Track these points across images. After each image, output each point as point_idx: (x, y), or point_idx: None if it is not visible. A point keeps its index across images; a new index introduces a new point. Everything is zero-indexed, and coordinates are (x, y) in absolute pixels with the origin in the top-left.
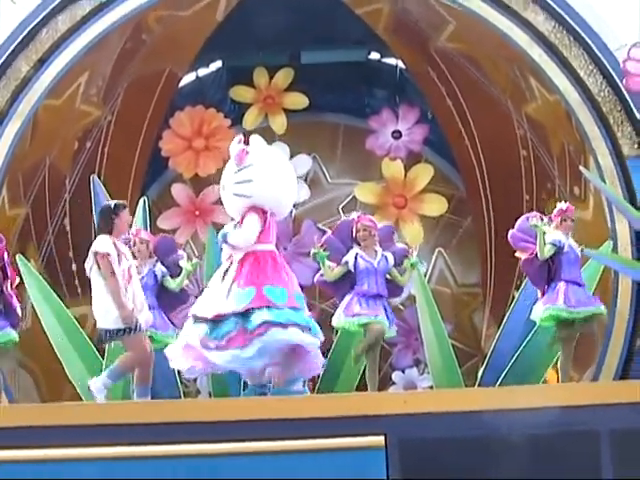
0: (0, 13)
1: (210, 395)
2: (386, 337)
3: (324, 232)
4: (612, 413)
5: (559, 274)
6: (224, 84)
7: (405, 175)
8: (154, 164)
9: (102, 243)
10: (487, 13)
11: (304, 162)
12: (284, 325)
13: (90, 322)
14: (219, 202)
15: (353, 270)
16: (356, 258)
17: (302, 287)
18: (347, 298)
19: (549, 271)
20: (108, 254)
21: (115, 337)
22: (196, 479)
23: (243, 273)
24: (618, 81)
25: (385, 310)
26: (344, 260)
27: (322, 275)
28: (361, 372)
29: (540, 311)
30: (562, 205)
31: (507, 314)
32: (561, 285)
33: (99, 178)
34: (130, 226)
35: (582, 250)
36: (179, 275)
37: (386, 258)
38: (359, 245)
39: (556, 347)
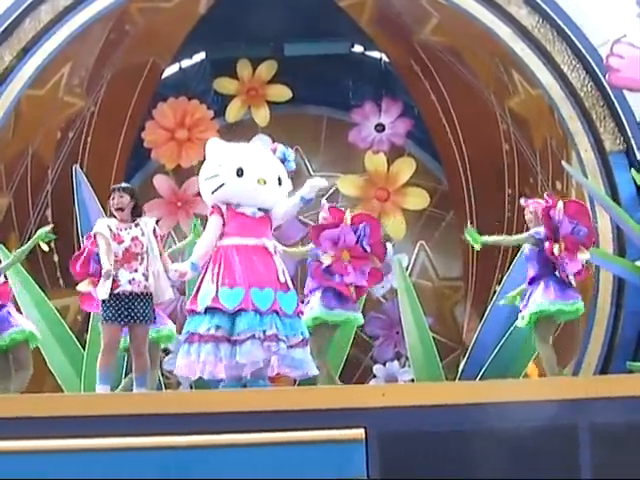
0: None
1: (191, 387)
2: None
3: (306, 224)
4: (592, 407)
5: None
6: (207, 76)
7: (388, 168)
8: (137, 155)
9: (97, 224)
10: (470, 7)
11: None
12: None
13: (72, 313)
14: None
15: None
16: None
17: None
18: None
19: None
20: (99, 234)
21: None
22: (176, 471)
23: (207, 270)
24: (601, 76)
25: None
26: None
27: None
28: (342, 365)
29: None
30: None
31: (488, 308)
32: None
33: (82, 169)
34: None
35: None
36: None
37: None
38: None
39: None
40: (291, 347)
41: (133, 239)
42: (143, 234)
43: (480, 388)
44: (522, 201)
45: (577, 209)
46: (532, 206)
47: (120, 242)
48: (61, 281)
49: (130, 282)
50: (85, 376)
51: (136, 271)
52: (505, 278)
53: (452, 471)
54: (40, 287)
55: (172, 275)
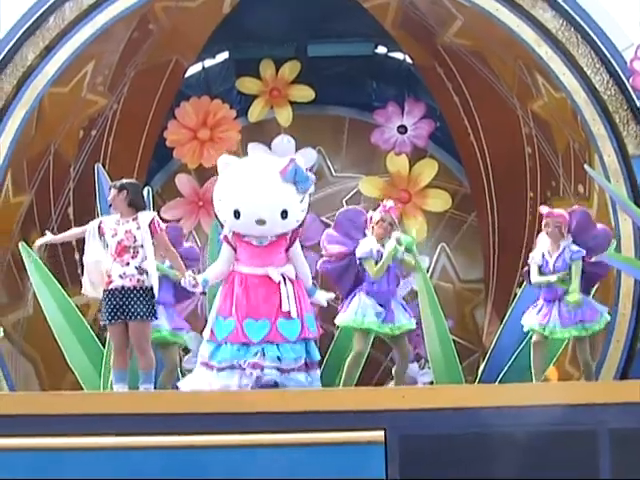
0: (7, 0)
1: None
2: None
3: (327, 225)
4: (612, 413)
5: None
6: (230, 75)
7: (410, 170)
8: (159, 154)
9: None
10: (495, 9)
11: (310, 155)
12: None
13: (92, 311)
14: None
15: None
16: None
17: None
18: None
19: None
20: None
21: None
22: (195, 470)
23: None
24: (625, 80)
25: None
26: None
27: (326, 262)
28: (361, 368)
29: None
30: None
31: (509, 311)
32: None
33: (104, 167)
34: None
35: None
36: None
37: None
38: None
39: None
40: (291, 371)
41: (126, 232)
42: (138, 228)
43: (499, 391)
44: (542, 209)
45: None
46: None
47: (114, 235)
48: (82, 278)
49: (121, 276)
50: (104, 374)
51: (127, 265)
52: (526, 281)
53: (470, 473)
54: (61, 284)
55: (187, 280)
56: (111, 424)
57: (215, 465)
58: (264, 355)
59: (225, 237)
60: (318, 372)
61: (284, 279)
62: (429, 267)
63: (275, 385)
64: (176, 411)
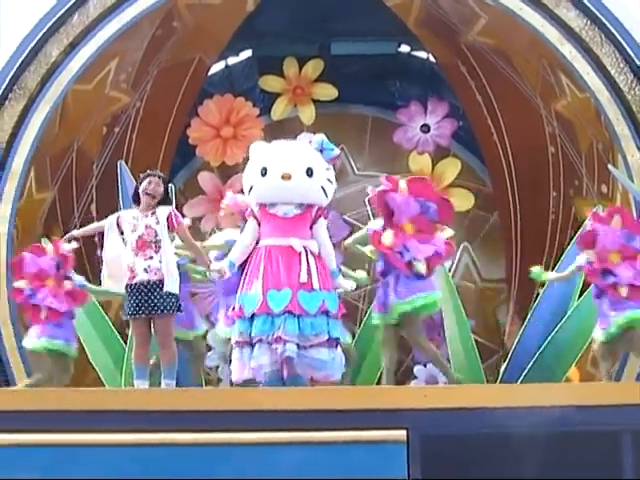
0: None
1: (231, 384)
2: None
3: (350, 224)
4: (635, 414)
5: None
6: (253, 73)
7: (432, 169)
8: (181, 152)
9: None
10: (518, 8)
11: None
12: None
13: (114, 308)
14: None
15: None
16: None
17: None
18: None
19: None
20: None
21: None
22: (214, 468)
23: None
24: None
25: None
26: None
27: None
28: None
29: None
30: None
31: (531, 311)
32: None
33: (126, 164)
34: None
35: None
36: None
37: None
38: None
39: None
40: (312, 347)
41: (146, 227)
42: (158, 222)
43: (521, 391)
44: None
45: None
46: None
47: (134, 230)
48: None
49: (146, 270)
50: (126, 371)
51: (151, 258)
52: (548, 282)
53: (492, 473)
54: None
55: (213, 275)
56: (132, 420)
57: (236, 463)
58: (285, 328)
59: (251, 212)
60: (340, 350)
61: (305, 251)
62: (451, 266)
63: (290, 360)
64: (198, 408)
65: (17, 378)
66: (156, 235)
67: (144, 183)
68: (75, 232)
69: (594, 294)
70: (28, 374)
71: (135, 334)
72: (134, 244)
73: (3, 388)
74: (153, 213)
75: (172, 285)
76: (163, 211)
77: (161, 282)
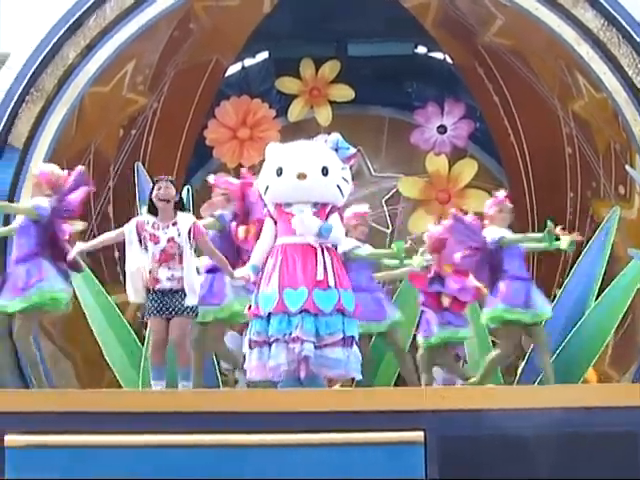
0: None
1: (248, 385)
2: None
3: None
4: None
5: (502, 270)
6: (270, 75)
7: (449, 170)
8: (198, 153)
9: (131, 221)
10: (535, 9)
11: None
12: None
13: (131, 309)
14: None
15: None
16: None
17: None
18: None
19: (492, 268)
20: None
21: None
22: (233, 469)
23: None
24: None
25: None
26: None
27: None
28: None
29: (485, 313)
30: (499, 193)
31: None
32: (505, 283)
33: (143, 166)
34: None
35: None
36: None
37: None
38: None
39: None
40: (327, 346)
41: (169, 240)
42: (179, 234)
43: (538, 392)
44: None
45: None
46: None
47: (156, 242)
48: (121, 277)
49: (169, 279)
50: (143, 372)
51: (174, 269)
52: (566, 282)
53: (510, 474)
54: (100, 283)
55: (236, 282)
56: (149, 422)
57: (253, 464)
58: (303, 328)
59: (268, 212)
60: (356, 348)
61: (322, 248)
62: None
63: (308, 360)
64: (216, 409)
65: None
66: (179, 247)
67: (154, 190)
68: (83, 245)
69: None
70: None
71: (152, 334)
72: (157, 256)
73: (22, 389)
74: (174, 224)
75: (192, 298)
76: (184, 222)
77: (183, 290)
